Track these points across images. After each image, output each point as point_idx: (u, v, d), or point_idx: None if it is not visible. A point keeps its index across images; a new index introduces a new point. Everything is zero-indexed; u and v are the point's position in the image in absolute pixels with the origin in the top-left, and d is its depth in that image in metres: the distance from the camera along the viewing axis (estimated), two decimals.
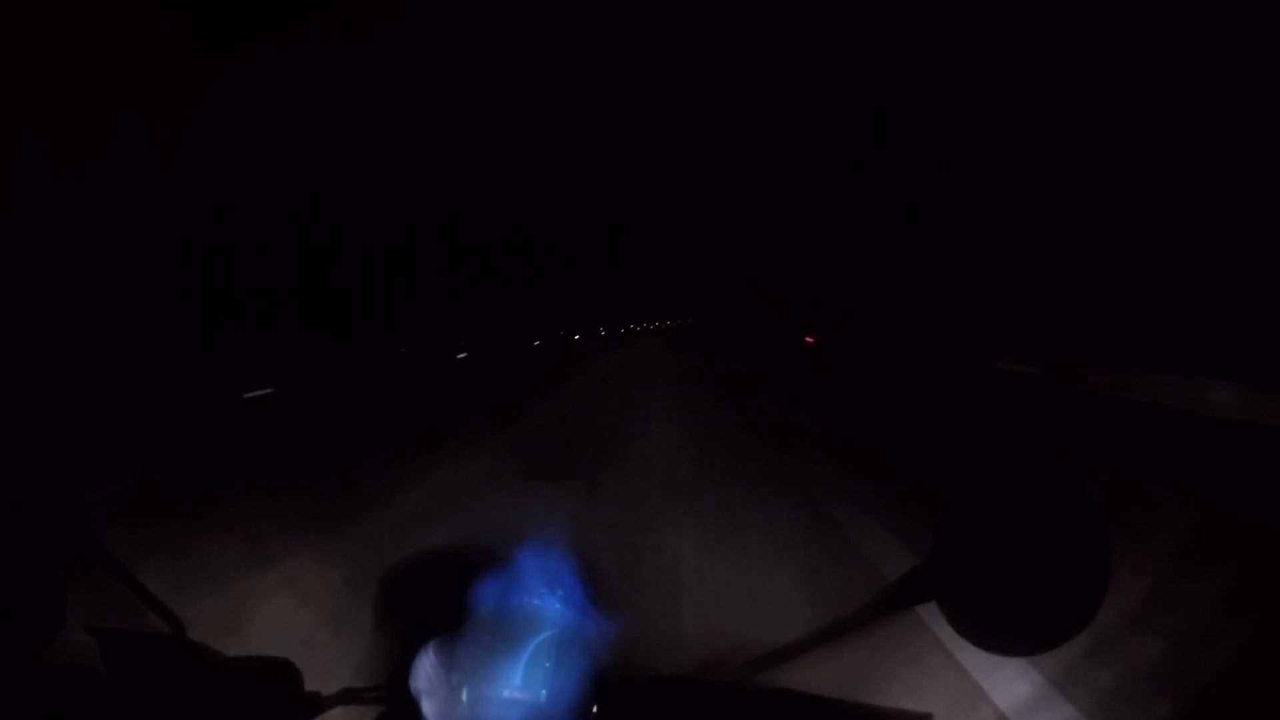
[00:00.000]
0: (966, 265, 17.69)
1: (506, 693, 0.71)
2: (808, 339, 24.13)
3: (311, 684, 0.75)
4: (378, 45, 20.81)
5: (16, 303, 7.74)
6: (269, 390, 9.21)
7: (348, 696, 0.74)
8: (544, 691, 0.70)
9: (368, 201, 18.63)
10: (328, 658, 2.05)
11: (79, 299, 8.60)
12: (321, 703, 0.74)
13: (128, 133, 10.11)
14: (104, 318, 8.71)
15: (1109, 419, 7.04)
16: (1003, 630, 0.56)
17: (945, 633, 0.59)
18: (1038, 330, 12.11)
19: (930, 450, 5.32)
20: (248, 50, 12.39)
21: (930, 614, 0.58)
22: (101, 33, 9.39)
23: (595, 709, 0.71)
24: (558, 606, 0.73)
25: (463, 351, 18.40)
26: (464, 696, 0.73)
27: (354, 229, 17.97)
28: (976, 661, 1.89)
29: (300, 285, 14.91)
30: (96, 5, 9.45)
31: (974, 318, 14.36)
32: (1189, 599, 2.37)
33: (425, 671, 0.72)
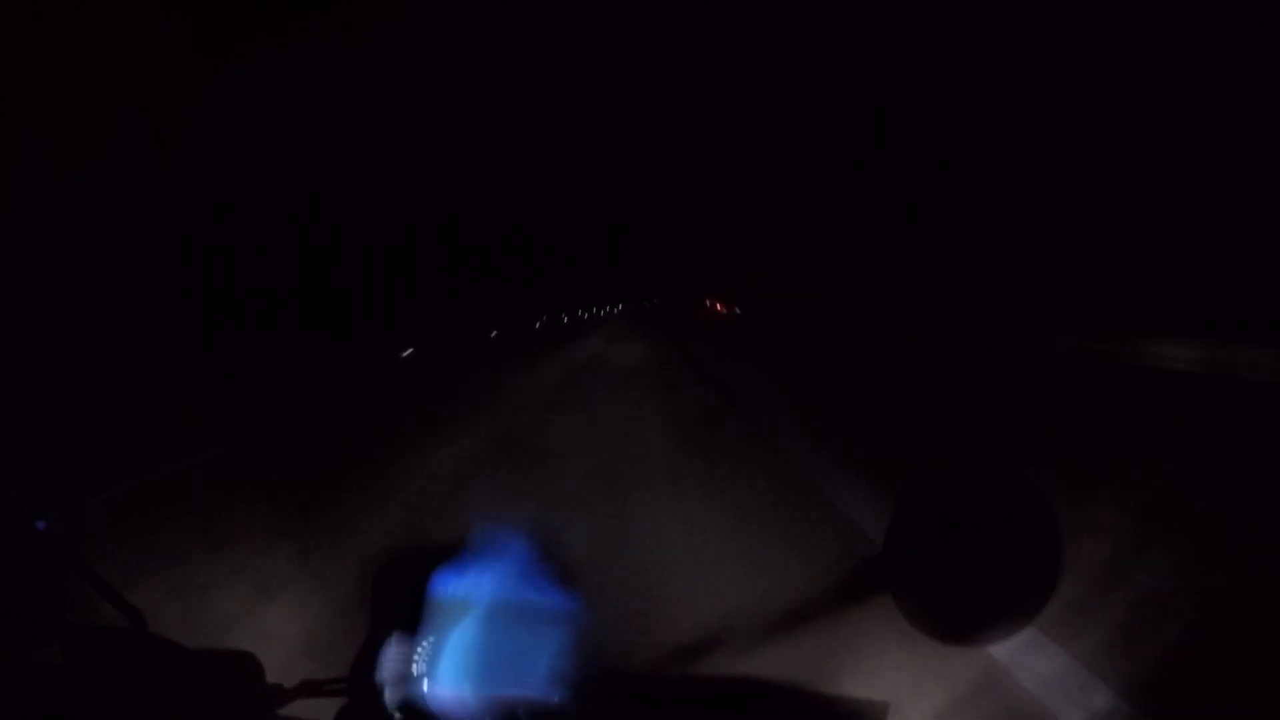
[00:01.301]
0: (966, 264, 17.72)
1: (469, 683, 0.71)
2: (719, 307, 26.35)
3: (273, 675, 0.74)
4: (378, 45, 20.85)
5: (16, 303, 7.76)
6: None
7: (309, 688, 0.74)
8: (508, 680, 0.70)
9: (368, 201, 18.66)
10: None
11: (79, 299, 8.62)
12: (283, 694, 0.74)
13: (128, 133, 10.14)
14: (104, 318, 8.73)
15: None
16: (955, 622, 0.57)
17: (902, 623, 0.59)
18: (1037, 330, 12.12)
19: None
20: (248, 50, 12.42)
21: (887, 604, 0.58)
22: (101, 33, 9.41)
23: (558, 697, 0.70)
24: (523, 596, 0.73)
25: (409, 348, 16.17)
26: (425, 686, 0.72)
27: (354, 229, 18.01)
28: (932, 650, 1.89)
29: (300, 285, 14.94)
30: (96, 5, 9.47)
31: (973, 312, 14.38)
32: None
33: (387, 662, 0.72)
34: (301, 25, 14.37)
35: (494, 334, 23.11)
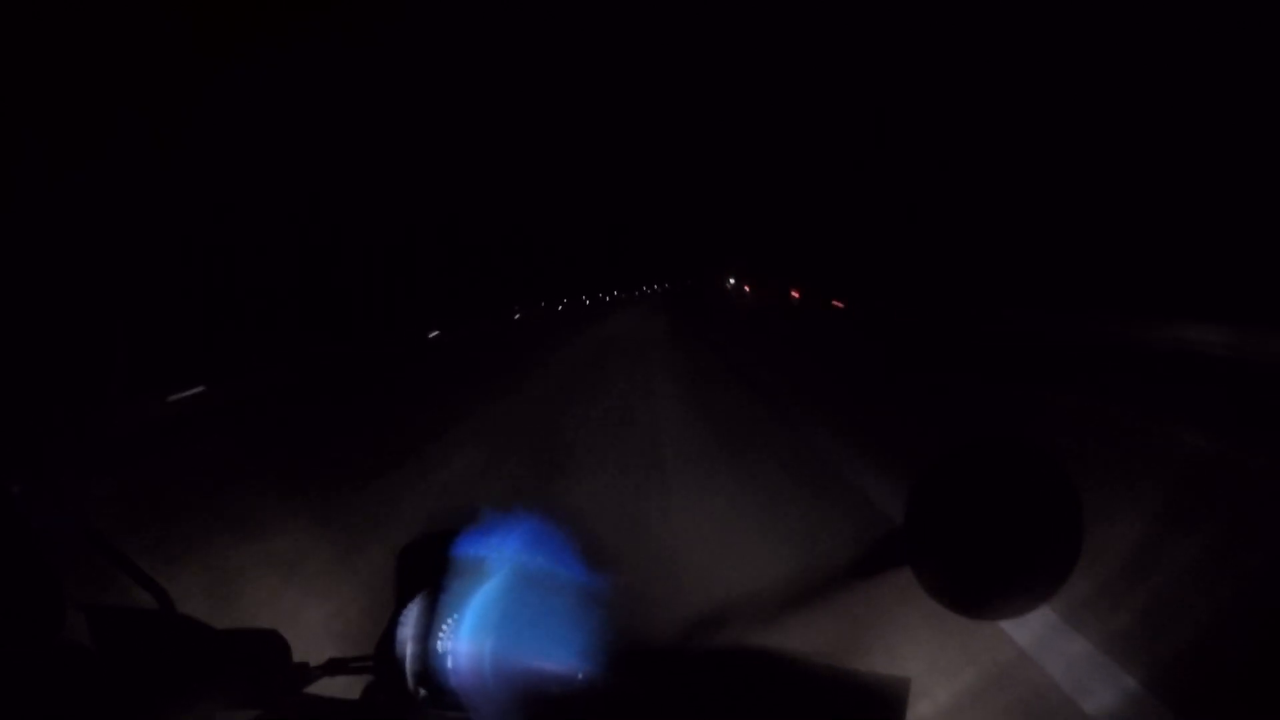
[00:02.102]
0: (966, 264, 17.73)
1: (494, 657, 0.71)
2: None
3: (300, 653, 0.75)
4: (378, 45, 20.84)
5: (16, 303, 7.76)
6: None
7: (336, 666, 0.75)
8: (533, 654, 0.70)
9: (368, 201, 18.65)
10: None
11: (79, 299, 8.61)
12: (310, 672, 0.74)
13: (128, 133, 10.13)
14: (104, 317, 8.73)
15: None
16: (976, 595, 0.57)
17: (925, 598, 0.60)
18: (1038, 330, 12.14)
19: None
20: (248, 50, 12.41)
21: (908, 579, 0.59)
22: (101, 33, 9.40)
23: (583, 670, 0.71)
24: (545, 568, 0.74)
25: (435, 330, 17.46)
26: (450, 662, 0.73)
27: (354, 229, 17.99)
28: (954, 625, 1.91)
29: (300, 285, 14.92)
30: (96, 5, 9.47)
31: (973, 313, 14.39)
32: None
33: (412, 638, 0.73)
34: (301, 25, 14.37)
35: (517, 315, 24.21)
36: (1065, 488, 0.56)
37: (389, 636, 0.73)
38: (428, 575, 0.75)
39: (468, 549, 0.74)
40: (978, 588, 0.57)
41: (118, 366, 8.13)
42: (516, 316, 25.03)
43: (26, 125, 8.67)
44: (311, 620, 2.35)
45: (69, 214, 8.97)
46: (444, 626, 0.70)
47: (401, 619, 0.73)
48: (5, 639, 0.61)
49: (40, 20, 8.65)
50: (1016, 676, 1.76)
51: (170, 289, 10.97)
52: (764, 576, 2.45)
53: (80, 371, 7.79)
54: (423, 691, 0.70)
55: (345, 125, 17.15)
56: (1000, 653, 1.84)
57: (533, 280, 35.69)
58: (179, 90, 10.96)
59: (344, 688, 0.75)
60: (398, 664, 0.71)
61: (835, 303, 22.38)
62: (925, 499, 0.59)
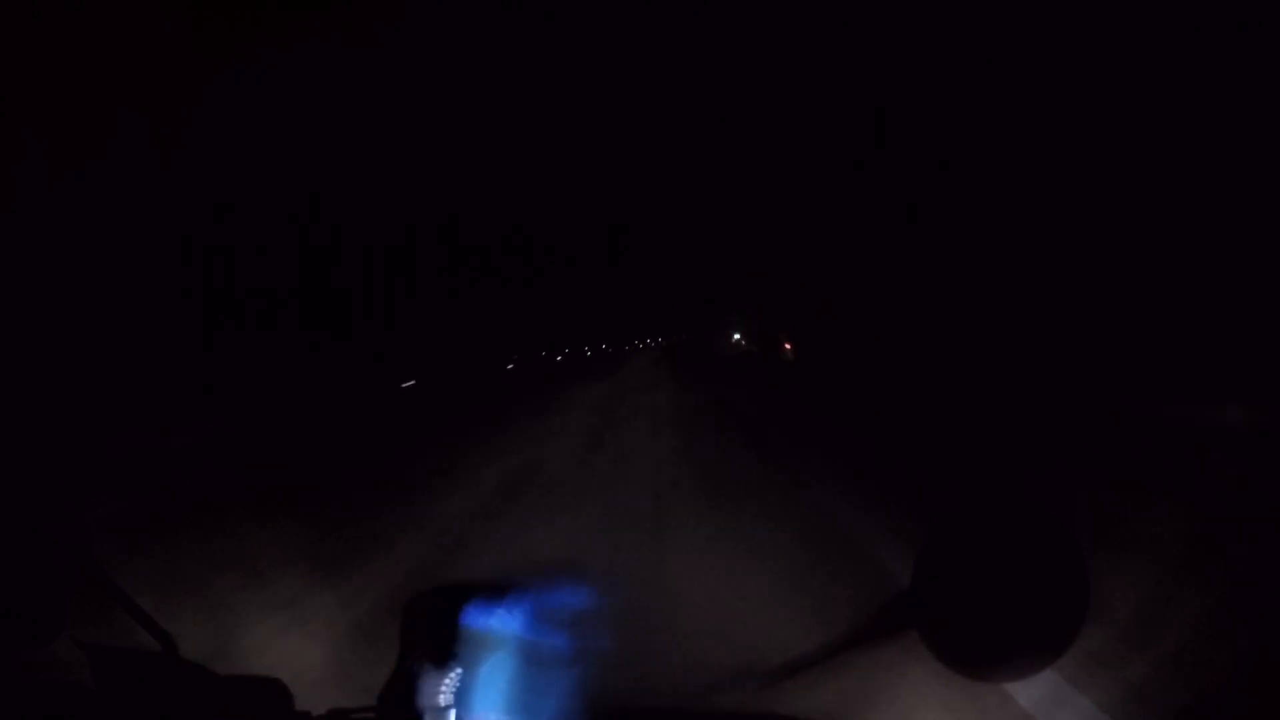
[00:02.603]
0: (967, 268, 17.66)
1: (496, 715, 0.71)
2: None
3: (302, 702, 0.75)
4: (378, 45, 20.83)
5: (16, 303, 7.74)
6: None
7: (337, 716, 0.75)
8: (533, 714, 0.70)
9: (368, 201, 18.65)
10: None
11: (79, 299, 8.60)
12: None
13: (128, 133, 10.12)
14: (104, 318, 8.72)
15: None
16: (982, 659, 0.57)
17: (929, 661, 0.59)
18: (1039, 338, 12.09)
19: None
20: (248, 50, 12.39)
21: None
22: (101, 33, 9.39)
23: None
24: (550, 635, 0.74)
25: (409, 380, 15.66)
26: (453, 718, 0.73)
27: (354, 229, 17.99)
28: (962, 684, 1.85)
29: (300, 285, 14.93)
30: (96, 5, 9.45)
31: (974, 324, 14.32)
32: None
33: (415, 692, 0.72)
34: (301, 25, 14.35)
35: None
36: (1069, 552, 0.56)
37: (393, 689, 0.73)
38: (433, 631, 0.75)
39: (476, 606, 0.74)
40: (983, 650, 0.57)
41: (118, 367, 8.12)
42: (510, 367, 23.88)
43: (26, 125, 8.65)
44: None
45: (69, 214, 8.96)
46: (449, 682, 0.70)
47: (406, 672, 0.73)
48: (5, 639, 0.61)
49: (40, 20, 8.63)
50: None
51: (170, 289, 10.96)
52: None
53: (80, 373, 7.78)
54: None
55: (345, 125, 17.15)
56: (1007, 711, 1.79)
57: (532, 281, 35.62)
58: (179, 90, 10.94)
59: None
60: (401, 716, 0.71)
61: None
62: (932, 563, 0.59)
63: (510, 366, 23.93)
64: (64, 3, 9.03)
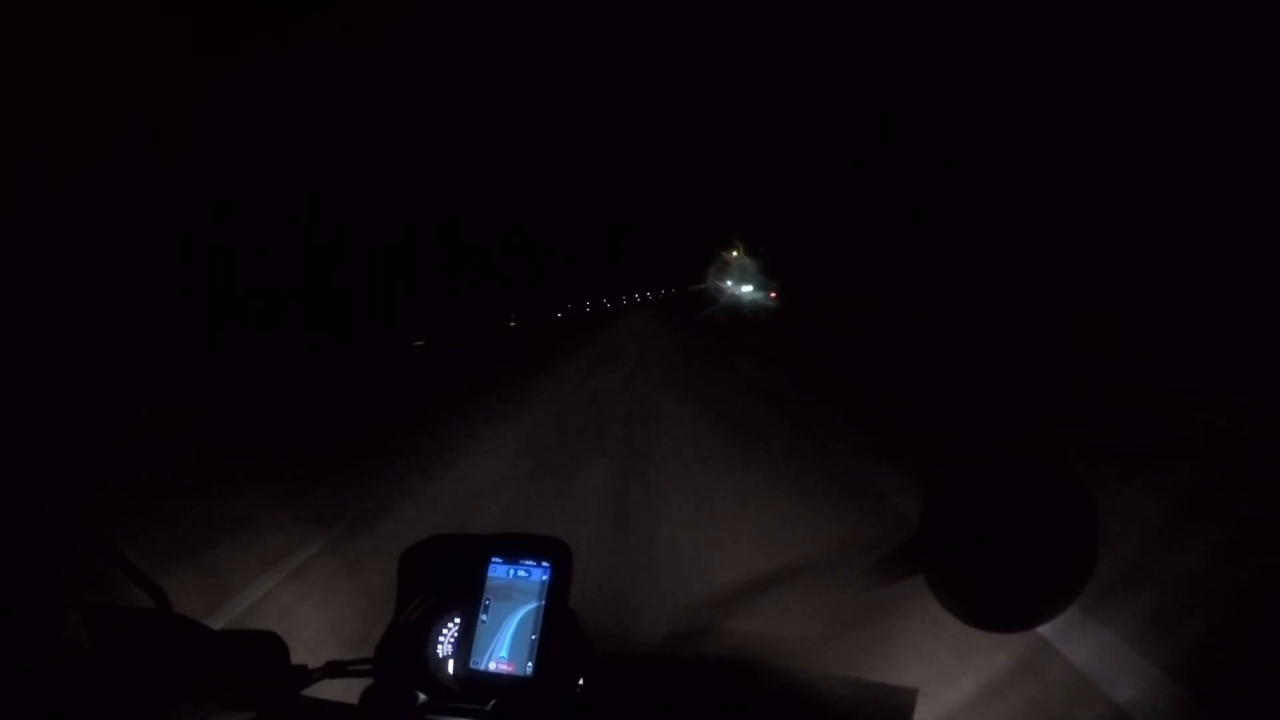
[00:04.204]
0: (967, 266, 17.70)
1: (492, 664, 0.71)
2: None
3: (298, 656, 0.75)
4: (378, 45, 20.84)
5: (16, 303, 7.75)
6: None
7: (334, 669, 0.74)
8: (529, 663, 0.70)
9: (368, 201, 18.64)
10: None
11: (79, 299, 8.61)
12: (308, 675, 0.74)
13: (128, 133, 10.13)
14: (104, 318, 8.72)
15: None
16: (988, 607, 0.56)
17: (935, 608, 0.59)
18: (1038, 330, 12.10)
19: None
20: (248, 50, 12.41)
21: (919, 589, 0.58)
22: (101, 33, 9.40)
23: (581, 680, 0.71)
24: (544, 579, 0.73)
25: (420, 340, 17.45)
26: (450, 668, 0.72)
27: (354, 229, 17.99)
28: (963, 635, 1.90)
29: (300, 285, 14.92)
30: (96, 5, 9.47)
31: (973, 318, 14.35)
32: None
33: (411, 643, 0.72)
34: (301, 25, 14.37)
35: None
36: (1081, 501, 0.54)
37: (389, 641, 0.72)
38: (429, 582, 0.74)
39: (475, 561, 0.74)
40: (990, 600, 0.56)
41: (118, 367, 8.12)
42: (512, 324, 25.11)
43: (26, 125, 8.66)
44: None
45: (69, 214, 8.96)
46: (446, 633, 0.70)
47: (402, 624, 0.72)
48: (5, 639, 0.61)
49: (40, 20, 8.64)
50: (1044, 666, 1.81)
51: (170, 289, 10.97)
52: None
53: (80, 373, 7.79)
54: (422, 696, 0.70)
55: (345, 125, 17.16)
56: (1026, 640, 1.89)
57: (533, 280, 35.71)
58: (179, 90, 10.95)
59: (342, 691, 0.74)
60: (399, 669, 0.71)
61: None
62: (940, 509, 0.58)
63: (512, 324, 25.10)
64: (64, 3, 9.05)
